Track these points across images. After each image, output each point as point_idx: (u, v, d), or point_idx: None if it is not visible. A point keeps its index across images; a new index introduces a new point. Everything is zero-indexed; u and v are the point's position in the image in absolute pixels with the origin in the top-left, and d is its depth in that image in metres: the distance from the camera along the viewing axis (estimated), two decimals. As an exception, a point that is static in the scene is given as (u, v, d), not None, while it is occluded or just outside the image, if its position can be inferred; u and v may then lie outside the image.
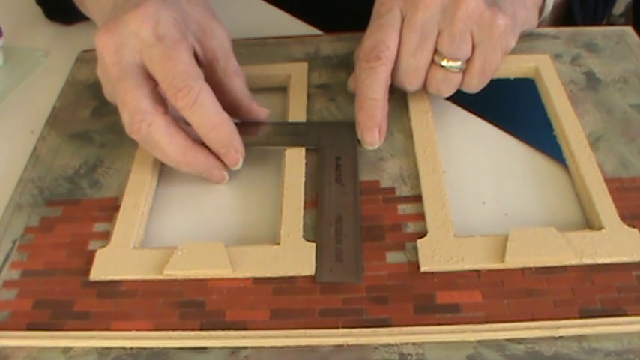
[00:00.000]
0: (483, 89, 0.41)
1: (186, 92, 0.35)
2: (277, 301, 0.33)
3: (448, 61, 0.39)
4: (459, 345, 0.31)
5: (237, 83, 0.41)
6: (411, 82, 0.41)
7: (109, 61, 0.36)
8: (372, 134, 0.40)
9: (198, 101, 0.36)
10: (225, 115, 0.37)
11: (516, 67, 0.46)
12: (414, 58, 0.40)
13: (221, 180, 0.40)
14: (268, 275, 0.35)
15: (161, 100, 0.37)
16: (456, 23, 0.38)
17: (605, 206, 0.36)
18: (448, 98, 0.43)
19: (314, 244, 0.36)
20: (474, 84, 0.41)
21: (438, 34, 0.39)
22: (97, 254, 0.36)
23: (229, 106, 0.41)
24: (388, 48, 0.39)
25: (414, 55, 0.40)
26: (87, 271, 0.35)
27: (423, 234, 0.36)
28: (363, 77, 0.40)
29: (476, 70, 0.40)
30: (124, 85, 0.36)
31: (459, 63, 0.39)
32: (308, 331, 0.32)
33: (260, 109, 0.42)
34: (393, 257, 0.35)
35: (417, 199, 0.38)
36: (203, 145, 0.38)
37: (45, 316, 0.34)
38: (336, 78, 0.47)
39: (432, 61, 0.40)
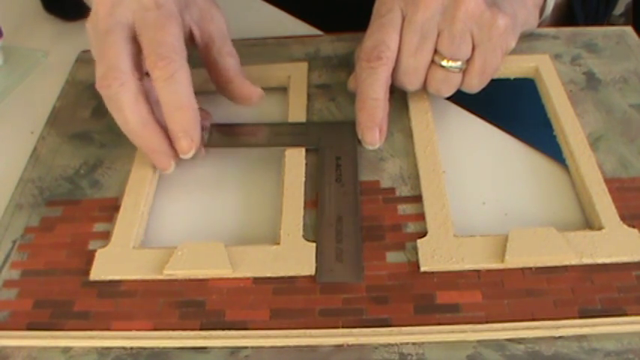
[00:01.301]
0: (483, 89, 0.41)
1: (166, 63, 0.35)
2: (277, 301, 0.33)
3: (448, 61, 0.39)
4: (459, 345, 0.31)
5: (230, 62, 0.41)
6: (411, 82, 0.41)
7: (102, 12, 0.36)
8: (373, 134, 0.40)
9: (175, 77, 0.36)
10: (194, 101, 0.37)
11: (516, 67, 0.46)
12: (414, 58, 0.40)
13: (166, 168, 0.39)
14: (268, 275, 0.35)
15: (139, 67, 0.37)
16: (456, 23, 0.38)
17: (605, 206, 0.36)
18: (448, 98, 0.43)
19: (314, 244, 0.36)
20: (474, 84, 0.41)
21: (438, 35, 0.39)
22: (97, 254, 0.36)
23: (222, 83, 0.41)
24: (389, 48, 0.39)
25: (414, 55, 0.40)
26: (87, 271, 0.35)
27: (423, 234, 0.36)
28: (364, 77, 0.40)
29: (476, 70, 0.40)
30: (109, 38, 0.36)
31: (459, 63, 0.39)
32: (308, 331, 0.32)
33: (252, 87, 0.41)
34: (393, 257, 0.35)
35: (417, 199, 0.38)
36: (163, 127, 0.38)
37: (45, 316, 0.34)
38: (336, 78, 0.47)
39: (432, 61, 0.40)
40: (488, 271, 0.34)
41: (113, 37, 0.36)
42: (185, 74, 0.36)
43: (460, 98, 0.43)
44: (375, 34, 0.40)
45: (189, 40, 0.40)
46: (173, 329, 0.33)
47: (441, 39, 0.39)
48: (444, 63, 0.39)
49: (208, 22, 0.40)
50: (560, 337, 0.31)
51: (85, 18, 0.48)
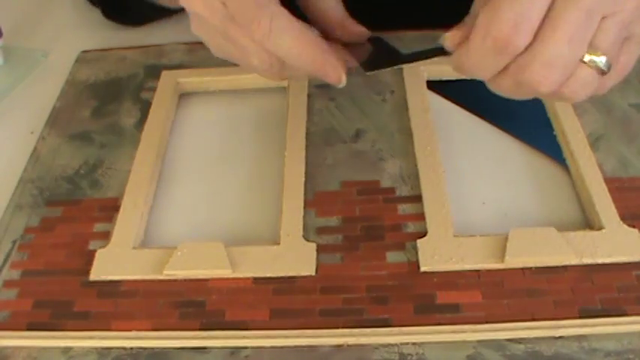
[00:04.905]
0: (484, 89, 0.41)
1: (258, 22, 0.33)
2: (277, 301, 0.33)
3: (600, 55, 0.29)
4: (459, 345, 0.31)
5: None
6: (550, 78, 0.29)
7: None
8: None
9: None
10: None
11: (516, 67, 0.46)
12: (569, 47, 0.28)
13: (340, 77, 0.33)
14: (268, 275, 0.35)
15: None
16: (624, 12, 0.28)
17: (605, 206, 0.36)
18: (448, 98, 0.43)
19: (314, 244, 0.36)
20: (606, 88, 0.32)
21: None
22: (97, 254, 0.36)
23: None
24: (532, 29, 0.28)
25: (568, 42, 0.27)
26: (87, 271, 0.35)
27: (423, 234, 0.36)
28: (478, 60, 0.30)
29: (618, 71, 0.31)
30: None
31: (604, 60, 0.29)
32: (308, 331, 0.32)
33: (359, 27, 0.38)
34: (393, 257, 0.35)
35: (417, 199, 0.38)
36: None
37: (45, 316, 0.34)
38: (336, 78, 0.47)
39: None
40: (489, 271, 0.34)
41: None
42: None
43: (460, 98, 0.43)
44: (511, 2, 0.27)
45: None
46: (173, 329, 0.33)
47: (603, 28, 0.28)
48: (596, 58, 0.29)
49: None
50: (560, 337, 0.31)
51: (145, 24, 0.46)
